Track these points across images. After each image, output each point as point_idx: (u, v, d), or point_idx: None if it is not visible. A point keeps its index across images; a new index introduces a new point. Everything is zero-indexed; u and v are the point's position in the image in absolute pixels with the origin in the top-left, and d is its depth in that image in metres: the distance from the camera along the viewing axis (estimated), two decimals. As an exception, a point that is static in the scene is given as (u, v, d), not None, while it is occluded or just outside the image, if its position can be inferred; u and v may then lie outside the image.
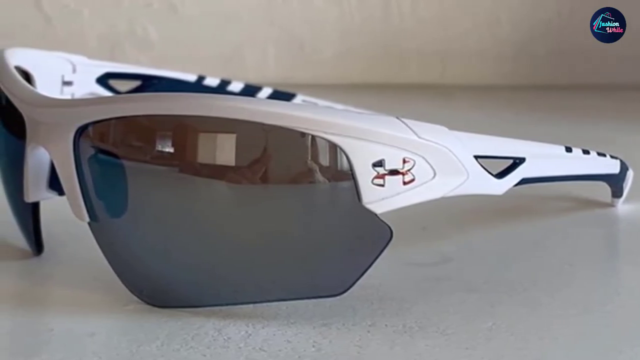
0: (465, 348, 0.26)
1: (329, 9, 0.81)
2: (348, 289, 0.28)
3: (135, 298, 0.28)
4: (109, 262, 0.28)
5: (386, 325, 0.27)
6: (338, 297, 0.28)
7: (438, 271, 0.32)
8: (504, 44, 0.80)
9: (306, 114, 0.27)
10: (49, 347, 0.26)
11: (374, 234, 0.28)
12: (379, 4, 0.81)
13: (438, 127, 0.28)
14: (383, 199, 0.28)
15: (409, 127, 0.28)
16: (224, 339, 0.26)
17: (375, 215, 0.27)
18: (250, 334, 0.26)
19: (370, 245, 0.28)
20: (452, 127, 0.27)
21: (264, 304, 0.28)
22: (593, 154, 0.35)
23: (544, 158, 0.32)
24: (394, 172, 0.28)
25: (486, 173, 0.29)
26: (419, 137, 0.28)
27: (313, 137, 0.27)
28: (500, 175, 0.30)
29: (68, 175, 0.28)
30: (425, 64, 0.81)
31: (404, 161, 0.28)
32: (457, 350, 0.26)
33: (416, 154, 0.28)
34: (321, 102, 0.50)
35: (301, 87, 0.54)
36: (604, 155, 0.36)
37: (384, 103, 0.66)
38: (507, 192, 0.30)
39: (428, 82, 0.80)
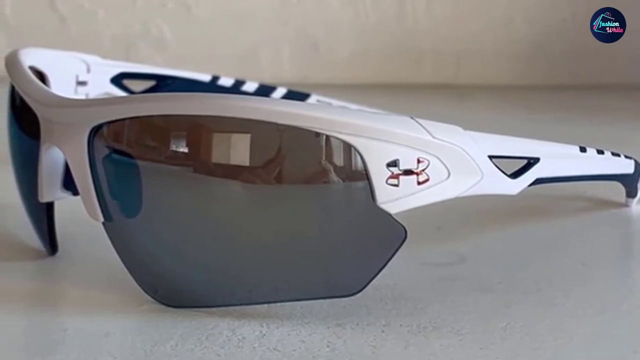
0: (480, 348, 0.26)
1: (344, 9, 0.80)
2: (362, 289, 0.28)
3: (149, 298, 0.28)
4: (123, 262, 0.28)
5: (400, 325, 0.27)
6: (352, 297, 0.28)
7: (453, 271, 0.32)
8: (519, 43, 0.80)
9: (320, 114, 0.27)
10: (63, 347, 0.26)
11: (389, 234, 0.28)
12: (393, 4, 0.80)
13: (452, 127, 0.28)
14: (397, 199, 0.28)
15: (423, 127, 0.28)
16: (238, 338, 0.26)
17: (390, 215, 0.27)
18: (264, 334, 0.26)
19: (384, 245, 0.28)
20: (466, 127, 0.27)
21: (278, 304, 0.28)
22: (607, 154, 0.34)
23: (558, 158, 0.32)
24: (408, 172, 0.28)
25: (500, 173, 0.29)
26: (434, 137, 0.28)
27: (327, 137, 0.27)
28: (515, 175, 0.30)
29: (82, 175, 0.28)
30: (440, 63, 0.81)
31: (419, 161, 0.28)
32: (472, 350, 0.26)
33: (430, 154, 0.28)
34: (335, 102, 0.49)
35: (316, 87, 0.54)
36: (619, 155, 0.35)
37: (399, 103, 0.66)
38: (521, 192, 0.30)
39: (443, 82, 0.79)
